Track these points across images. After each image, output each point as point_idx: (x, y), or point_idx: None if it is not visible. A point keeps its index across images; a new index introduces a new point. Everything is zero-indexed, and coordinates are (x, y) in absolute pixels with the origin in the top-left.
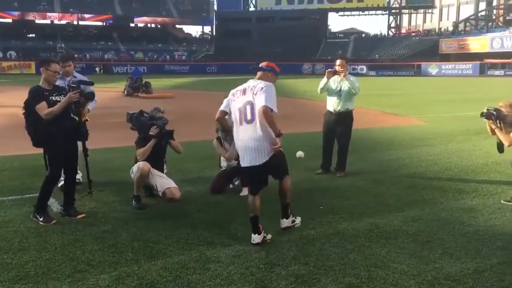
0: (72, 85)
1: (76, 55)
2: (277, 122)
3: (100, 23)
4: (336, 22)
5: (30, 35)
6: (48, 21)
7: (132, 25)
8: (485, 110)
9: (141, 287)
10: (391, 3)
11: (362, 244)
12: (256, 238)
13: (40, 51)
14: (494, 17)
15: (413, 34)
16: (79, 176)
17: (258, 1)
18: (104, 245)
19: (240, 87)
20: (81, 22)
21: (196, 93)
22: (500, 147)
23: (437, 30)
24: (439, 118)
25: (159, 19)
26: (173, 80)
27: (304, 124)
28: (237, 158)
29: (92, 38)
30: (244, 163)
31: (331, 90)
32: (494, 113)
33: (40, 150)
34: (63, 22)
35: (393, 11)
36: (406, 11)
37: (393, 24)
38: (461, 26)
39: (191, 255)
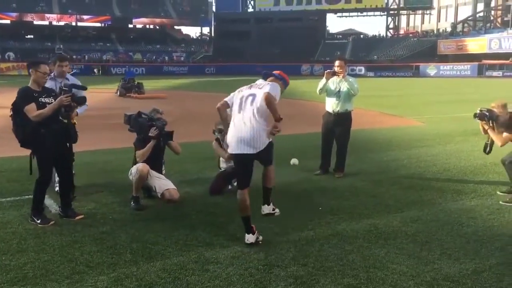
0: (64, 88)
1: (74, 56)
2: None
3: (98, 24)
4: (335, 23)
5: (29, 36)
6: (46, 22)
7: (130, 26)
8: (478, 111)
9: None
10: (389, 4)
11: (361, 245)
12: (250, 238)
13: (39, 52)
14: (492, 18)
15: (411, 35)
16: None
17: (256, 2)
18: (103, 247)
19: (246, 86)
20: (79, 23)
21: (195, 94)
22: (486, 148)
23: (435, 31)
24: (437, 119)
25: (157, 20)
26: (172, 81)
27: (303, 125)
28: None
29: (90, 39)
30: (235, 150)
31: (330, 91)
32: (487, 114)
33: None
34: (62, 23)
35: (391, 12)
36: (404, 12)
37: (391, 25)
38: (459, 27)
39: (190, 256)
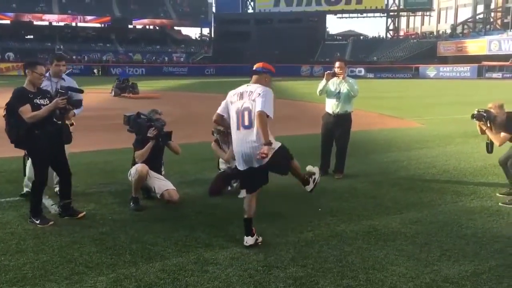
0: (60, 90)
1: (74, 57)
2: (272, 126)
3: (98, 25)
4: (334, 24)
5: (28, 37)
6: (46, 23)
7: (130, 26)
8: (475, 112)
9: None
10: (389, 5)
11: (360, 246)
12: (249, 240)
13: (38, 53)
14: (492, 19)
15: (411, 36)
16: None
17: (256, 3)
18: (102, 247)
19: (238, 90)
20: (79, 24)
21: (194, 95)
22: (488, 148)
23: (435, 33)
24: (437, 121)
25: (157, 20)
26: (171, 82)
27: (303, 126)
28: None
29: (90, 40)
30: (241, 167)
31: (330, 92)
32: (485, 114)
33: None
34: (62, 23)
35: (391, 13)
36: (404, 13)
37: (391, 27)
38: (459, 29)
39: (189, 257)
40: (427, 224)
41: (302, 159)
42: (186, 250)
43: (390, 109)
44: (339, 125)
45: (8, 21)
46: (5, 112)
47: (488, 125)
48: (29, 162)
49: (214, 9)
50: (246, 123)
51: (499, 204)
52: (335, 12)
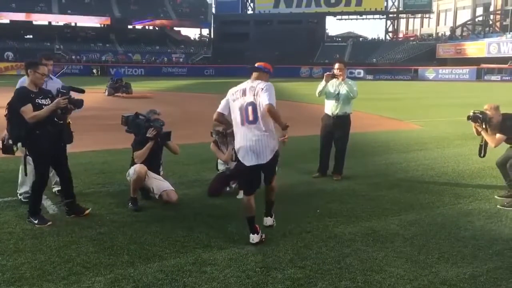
0: (62, 90)
1: (73, 57)
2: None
3: (98, 25)
4: (334, 26)
5: (28, 36)
6: (45, 22)
7: (130, 27)
8: (471, 113)
9: None
10: (389, 7)
11: (358, 248)
12: (255, 238)
13: (38, 53)
14: (491, 22)
15: (410, 38)
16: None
17: (256, 4)
18: (100, 248)
19: (239, 87)
20: (79, 24)
21: (194, 96)
22: (480, 151)
23: (434, 35)
24: (436, 123)
25: (157, 21)
26: (171, 82)
27: (302, 127)
28: (235, 159)
29: (89, 40)
30: (247, 162)
31: (329, 93)
32: (480, 116)
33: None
34: (61, 23)
35: (390, 15)
36: (404, 15)
37: (390, 29)
38: (458, 31)
39: (187, 258)
40: (425, 226)
41: (301, 160)
42: (184, 250)
43: (389, 111)
44: (338, 127)
45: (7, 21)
46: (6, 112)
47: (484, 126)
48: (21, 167)
49: (213, 10)
50: (251, 118)
51: (498, 206)
52: (334, 14)
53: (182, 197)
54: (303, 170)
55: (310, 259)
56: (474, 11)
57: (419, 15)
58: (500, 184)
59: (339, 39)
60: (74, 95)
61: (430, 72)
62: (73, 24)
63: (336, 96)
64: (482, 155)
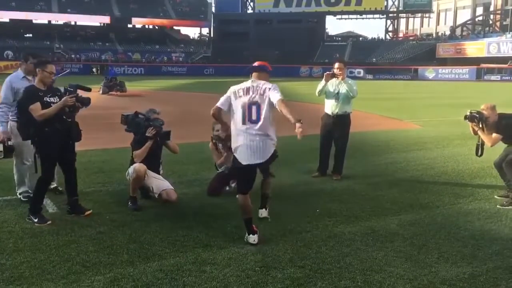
0: (69, 89)
1: (73, 56)
2: (277, 124)
3: (97, 24)
4: (334, 25)
5: (27, 35)
6: (45, 21)
7: (129, 26)
8: (468, 113)
9: None
10: (389, 7)
11: (358, 247)
12: (255, 239)
13: (37, 52)
14: (491, 22)
15: (410, 38)
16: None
17: (256, 4)
18: (100, 247)
19: (242, 86)
20: (78, 23)
21: (193, 95)
22: (478, 150)
23: (434, 35)
24: (435, 122)
25: (157, 20)
26: (170, 82)
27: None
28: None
29: (89, 39)
30: (244, 161)
31: (329, 93)
32: (477, 115)
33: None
34: (61, 22)
35: (390, 15)
36: (404, 15)
37: (390, 28)
38: (458, 31)
39: (187, 257)
40: (425, 226)
41: (301, 160)
42: (184, 250)
43: (388, 110)
44: (338, 126)
45: (7, 20)
46: (16, 110)
47: (480, 126)
48: (15, 168)
49: (213, 9)
50: (254, 117)
51: (497, 206)
52: (334, 13)
53: (182, 196)
54: (302, 170)
55: (309, 259)
56: (474, 11)
57: (419, 15)
58: (500, 184)
59: (339, 39)
60: (81, 93)
61: (430, 72)
62: (72, 23)
63: (336, 96)
64: (479, 154)
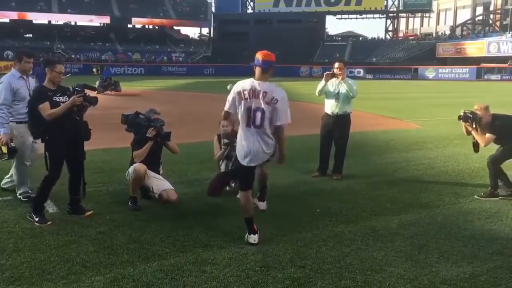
0: (77, 88)
1: (73, 56)
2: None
3: (97, 24)
4: (334, 25)
5: (27, 35)
6: (45, 21)
7: (129, 26)
8: (462, 113)
9: None
10: (389, 6)
11: (358, 247)
12: (256, 238)
13: (37, 52)
14: (491, 21)
15: (410, 38)
16: None
17: (256, 3)
18: (100, 247)
19: (247, 86)
20: (78, 23)
21: (193, 95)
22: (475, 147)
23: (434, 34)
24: (435, 122)
25: (157, 20)
26: (170, 82)
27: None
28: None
29: (89, 39)
30: (245, 162)
31: (329, 92)
32: (471, 116)
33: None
34: (61, 22)
35: (390, 14)
36: (404, 15)
37: (390, 28)
38: (458, 31)
39: (187, 257)
40: (425, 226)
41: (301, 159)
42: (184, 250)
43: (389, 110)
44: (338, 126)
45: (7, 20)
46: (26, 109)
47: (474, 126)
48: (15, 169)
49: (213, 9)
50: (258, 123)
51: (475, 196)
52: (334, 13)
53: (182, 196)
54: (302, 170)
55: (310, 259)
56: (474, 11)
57: (419, 15)
58: (499, 184)
59: (339, 38)
60: (89, 92)
61: (430, 72)
62: (72, 23)
63: (336, 96)
64: (476, 150)
